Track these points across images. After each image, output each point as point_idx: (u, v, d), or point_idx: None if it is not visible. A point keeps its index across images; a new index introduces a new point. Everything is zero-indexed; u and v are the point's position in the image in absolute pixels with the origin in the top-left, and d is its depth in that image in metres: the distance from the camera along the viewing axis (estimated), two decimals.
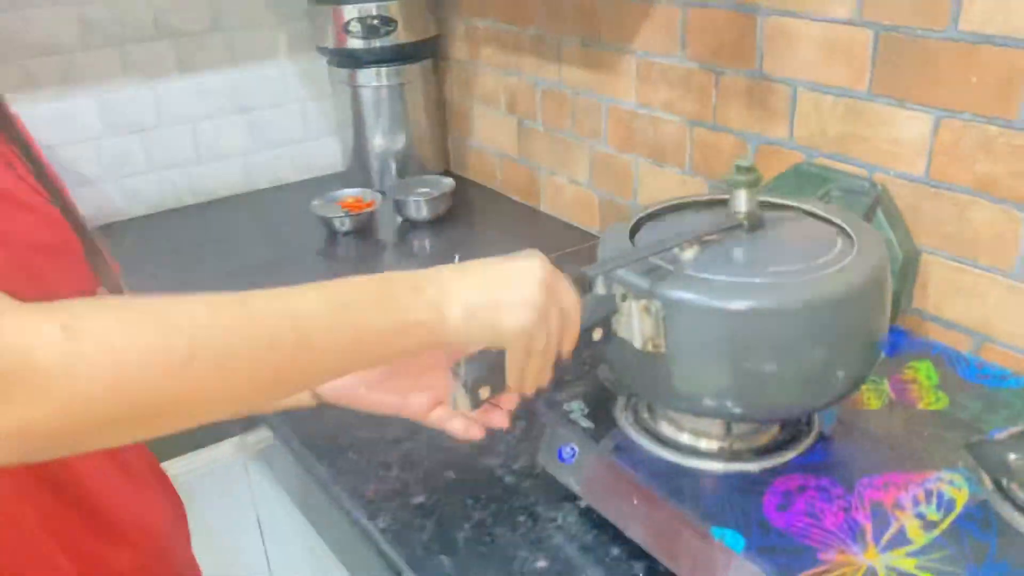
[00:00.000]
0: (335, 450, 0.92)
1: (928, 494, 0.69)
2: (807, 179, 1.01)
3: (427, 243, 1.50)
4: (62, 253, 0.64)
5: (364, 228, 1.51)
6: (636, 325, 0.68)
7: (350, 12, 1.53)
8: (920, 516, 0.66)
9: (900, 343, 0.90)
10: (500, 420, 0.72)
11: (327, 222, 1.49)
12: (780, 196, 0.80)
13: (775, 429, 0.77)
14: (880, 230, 0.95)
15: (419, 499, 0.84)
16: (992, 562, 0.62)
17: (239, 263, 1.43)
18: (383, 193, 1.58)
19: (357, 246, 1.49)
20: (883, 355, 0.74)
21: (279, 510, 1.12)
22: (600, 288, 0.70)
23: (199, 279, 1.37)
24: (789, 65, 1.04)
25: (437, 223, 1.53)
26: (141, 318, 0.47)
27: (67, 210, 0.66)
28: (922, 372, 0.85)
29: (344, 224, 1.48)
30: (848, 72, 0.97)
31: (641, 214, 0.78)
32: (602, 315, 0.69)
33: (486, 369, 0.63)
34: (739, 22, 1.08)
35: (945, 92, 0.89)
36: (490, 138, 1.64)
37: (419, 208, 1.51)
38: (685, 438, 0.76)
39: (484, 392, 0.64)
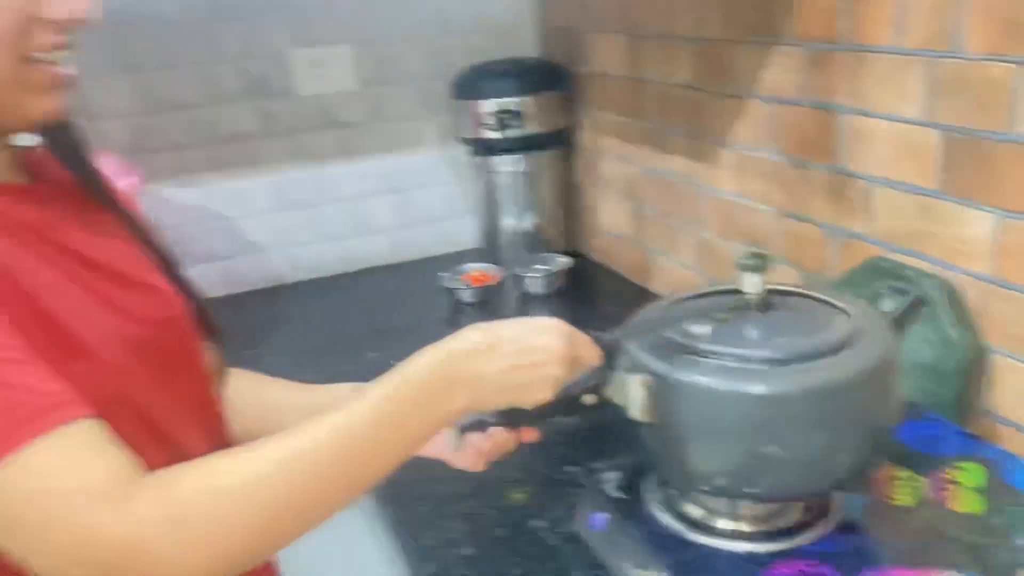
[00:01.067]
0: (409, 498, 1.03)
1: None
2: (879, 274, 1.02)
3: (542, 315, 1.60)
4: (172, 327, 0.74)
5: (486, 300, 1.64)
6: (631, 396, 0.74)
7: (486, 107, 1.69)
8: None
9: (956, 443, 0.89)
10: (531, 435, 0.76)
11: (453, 293, 1.63)
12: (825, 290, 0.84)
13: (797, 514, 0.80)
14: (942, 327, 0.95)
15: (468, 551, 0.93)
16: None
17: (377, 326, 1.60)
18: (504, 267, 1.70)
19: (478, 316, 1.62)
20: (925, 451, 0.75)
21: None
22: (602, 359, 0.77)
23: (342, 338, 1.54)
24: (866, 161, 1.06)
25: (553, 298, 1.63)
26: (235, 502, 0.56)
27: (181, 287, 0.79)
28: (968, 474, 0.84)
29: (467, 296, 1.62)
30: (918, 170, 0.99)
31: (675, 297, 0.84)
32: (593, 383, 0.74)
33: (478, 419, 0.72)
34: (822, 119, 1.12)
35: (1007, 192, 0.89)
36: (610, 221, 1.73)
37: (536, 283, 1.62)
38: (701, 515, 0.80)
39: (469, 437, 0.74)
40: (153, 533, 0.53)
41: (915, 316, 0.82)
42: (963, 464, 0.85)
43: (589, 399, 0.73)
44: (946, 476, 0.84)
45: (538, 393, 0.67)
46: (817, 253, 1.18)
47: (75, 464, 0.53)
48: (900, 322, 0.80)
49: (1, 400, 0.52)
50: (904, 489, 0.82)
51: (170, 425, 0.69)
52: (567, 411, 0.73)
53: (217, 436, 0.79)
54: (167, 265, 0.79)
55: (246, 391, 0.86)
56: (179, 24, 1.63)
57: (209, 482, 0.56)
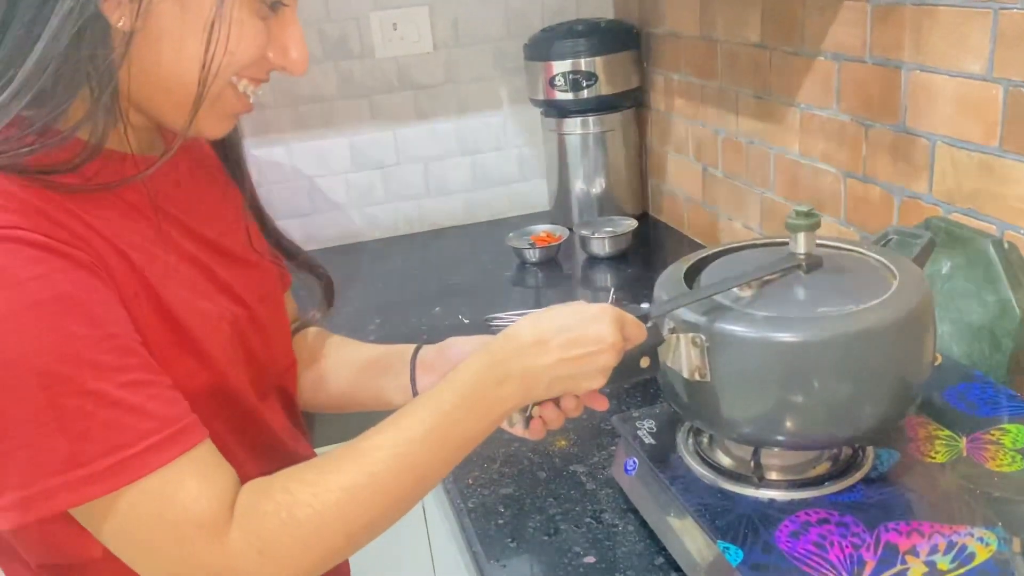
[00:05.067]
0: None
1: (950, 546, 0.69)
2: (935, 234, 1.00)
3: (606, 277, 1.62)
4: (269, 302, 0.80)
5: (550, 260, 1.66)
6: (683, 356, 0.76)
7: (557, 68, 1.71)
8: (930, 564, 0.67)
9: (1005, 404, 0.87)
10: (600, 404, 0.76)
11: (518, 253, 1.66)
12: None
13: (827, 465, 0.80)
14: (1000, 288, 0.92)
15: (507, 490, 0.97)
16: None
17: (445, 283, 1.65)
18: (571, 230, 1.72)
19: (543, 276, 1.65)
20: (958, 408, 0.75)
21: None
22: (648, 321, 0.78)
23: (412, 294, 1.60)
24: (929, 120, 1.04)
25: (618, 259, 1.65)
26: (311, 533, 0.62)
27: (285, 252, 0.86)
28: (1011, 435, 0.82)
29: (533, 256, 1.65)
30: (981, 127, 0.96)
31: (701, 255, 0.85)
32: (650, 345, 0.77)
33: None
34: (886, 76, 1.09)
35: None
36: (680, 183, 1.72)
37: (602, 245, 1.64)
38: (728, 463, 0.82)
39: (535, 411, 0.75)
40: (244, 564, 0.60)
41: (926, 258, 0.81)
42: (1009, 426, 0.83)
43: (645, 362, 0.75)
44: (988, 436, 0.82)
45: (590, 382, 0.70)
46: (878, 214, 1.15)
47: (187, 494, 0.59)
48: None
49: (128, 426, 0.57)
50: (941, 447, 0.81)
51: (253, 402, 0.74)
52: (626, 376, 0.74)
53: (292, 400, 0.85)
54: (269, 231, 0.85)
55: (316, 346, 0.91)
56: None
57: (291, 513, 0.62)
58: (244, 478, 0.64)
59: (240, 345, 0.72)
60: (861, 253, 0.82)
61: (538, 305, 1.53)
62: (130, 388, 0.58)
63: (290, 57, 0.68)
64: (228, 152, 0.83)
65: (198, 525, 0.60)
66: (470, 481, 0.99)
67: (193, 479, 0.60)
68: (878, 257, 0.80)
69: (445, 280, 1.67)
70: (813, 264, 0.78)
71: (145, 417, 0.58)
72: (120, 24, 0.60)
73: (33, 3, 0.58)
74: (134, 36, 0.61)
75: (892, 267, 0.77)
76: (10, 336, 0.55)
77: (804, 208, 0.78)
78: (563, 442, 1.05)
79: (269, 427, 0.76)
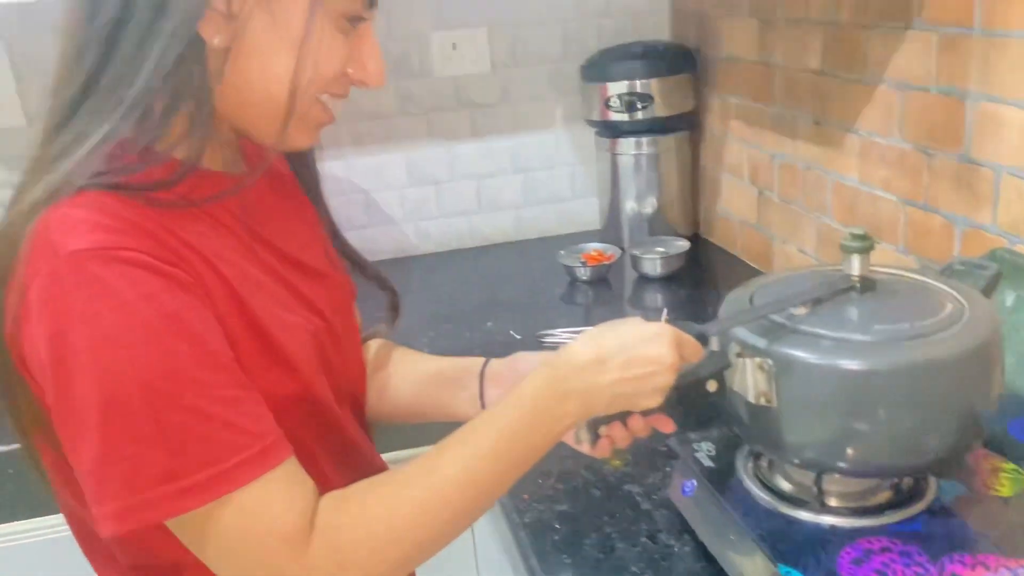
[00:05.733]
0: None
1: None
2: (1000, 265, 0.99)
3: (657, 297, 1.63)
4: (343, 314, 0.84)
5: (602, 279, 1.68)
6: (750, 380, 0.76)
7: (613, 89, 1.73)
8: None
9: None
10: (666, 426, 0.76)
11: (570, 270, 1.68)
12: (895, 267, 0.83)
13: (888, 493, 0.80)
14: None
15: (563, 507, 0.98)
16: None
17: (497, 298, 1.67)
18: (623, 249, 1.73)
19: (594, 294, 1.66)
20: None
21: None
22: (714, 344, 0.79)
23: (464, 308, 1.62)
24: (995, 150, 1.03)
25: (669, 280, 1.65)
26: (386, 545, 0.65)
27: (357, 266, 0.89)
28: None
29: (584, 273, 1.66)
30: None
31: (762, 281, 0.86)
32: (716, 368, 0.78)
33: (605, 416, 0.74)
34: (950, 106, 1.09)
35: None
36: (734, 206, 1.73)
37: (654, 265, 1.65)
38: (788, 487, 0.82)
39: (603, 430, 0.77)
40: (322, 575, 0.63)
41: (993, 289, 0.81)
42: None
43: (712, 386, 0.75)
44: None
45: (648, 401, 0.71)
46: (940, 243, 1.15)
47: (274, 509, 0.62)
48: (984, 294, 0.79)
49: (222, 441, 0.60)
50: (1006, 481, 0.81)
51: (334, 412, 0.77)
52: (693, 399, 0.75)
53: (363, 409, 0.87)
54: (341, 244, 0.87)
55: (382, 357, 0.94)
56: None
57: (367, 529, 0.65)
58: (325, 484, 0.66)
59: (319, 356, 0.74)
60: (924, 280, 0.82)
61: (589, 323, 1.54)
62: (225, 404, 0.60)
63: (368, 70, 0.71)
64: (304, 168, 0.86)
65: (282, 538, 0.62)
66: (526, 496, 1.00)
67: (279, 494, 0.62)
68: (942, 285, 0.80)
69: (496, 295, 1.69)
70: (869, 286, 0.79)
71: (238, 432, 0.60)
72: (217, 43, 0.63)
73: (137, 29, 0.61)
74: (230, 54, 0.64)
75: (960, 297, 0.77)
76: (120, 353, 0.57)
77: (859, 231, 0.78)
78: (617, 462, 1.05)
79: (348, 435, 0.78)
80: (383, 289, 0.93)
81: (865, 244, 0.78)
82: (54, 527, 1.24)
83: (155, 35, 0.61)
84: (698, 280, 1.67)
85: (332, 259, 0.85)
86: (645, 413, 0.74)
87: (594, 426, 0.75)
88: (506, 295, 1.68)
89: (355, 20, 0.69)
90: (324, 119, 0.72)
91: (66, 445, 0.61)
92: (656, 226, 1.82)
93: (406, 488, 0.67)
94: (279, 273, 0.74)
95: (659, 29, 1.88)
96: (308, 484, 0.65)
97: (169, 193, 0.64)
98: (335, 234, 0.88)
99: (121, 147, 0.62)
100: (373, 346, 0.95)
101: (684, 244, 1.68)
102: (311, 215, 0.85)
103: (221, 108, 0.67)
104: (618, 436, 0.75)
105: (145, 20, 0.61)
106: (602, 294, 1.66)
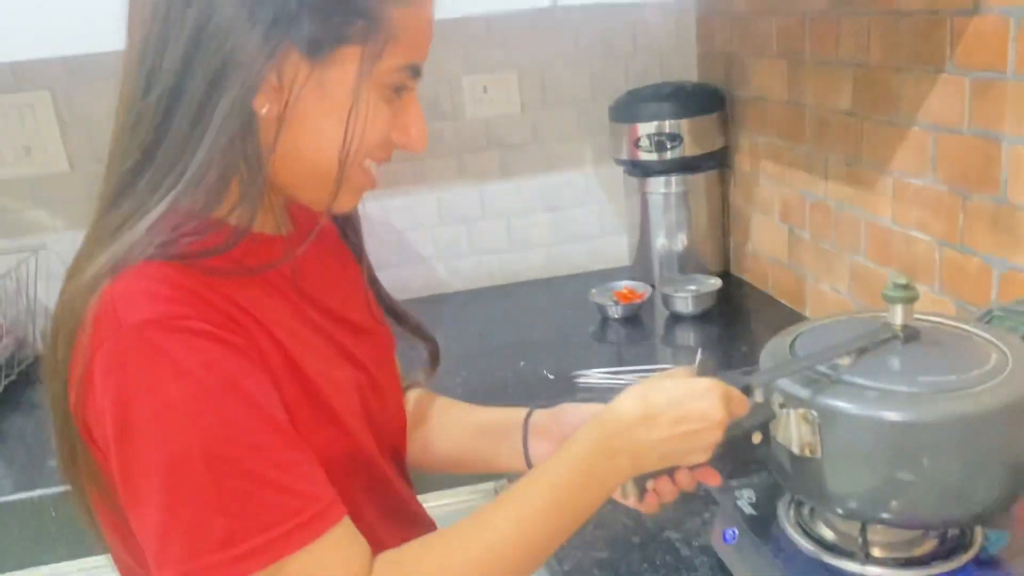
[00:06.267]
0: None
1: None
2: None
3: (689, 336, 1.63)
4: (386, 366, 0.85)
5: (633, 317, 1.68)
6: (794, 432, 0.76)
7: (643, 129, 1.74)
8: None
9: None
10: (713, 479, 0.78)
11: (601, 309, 1.69)
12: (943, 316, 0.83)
13: (933, 543, 0.80)
14: None
15: (602, 554, 0.98)
16: None
17: (528, 337, 1.68)
18: (653, 287, 1.74)
19: (626, 332, 1.66)
20: None
21: None
22: (758, 396, 0.80)
23: (496, 346, 1.63)
24: None
25: (701, 318, 1.65)
26: None
27: (398, 319, 0.90)
28: None
29: (616, 312, 1.67)
30: None
31: (802, 329, 0.86)
32: (761, 420, 0.78)
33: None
34: (985, 148, 1.09)
35: None
36: (765, 244, 1.73)
37: (685, 303, 1.65)
38: (831, 536, 0.82)
39: (650, 485, 0.77)
40: None
41: None
42: None
43: (757, 438, 0.76)
44: None
45: (697, 457, 0.72)
46: (976, 285, 1.15)
47: (330, 570, 0.63)
48: None
49: (280, 505, 0.61)
50: None
51: (380, 465, 0.78)
52: (738, 451, 0.76)
53: (403, 461, 0.88)
54: (384, 299, 0.89)
55: (423, 408, 0.95)
56: None
57: (418, 570, 0.65)
58: (372, 536, 0.67)
59: (364, 410, 0.75)
60: (966, 329, 0.82)
61: (621, 362, 1.55)
62: (282, 468, 0.62)
63: (411, 136, 0.72)
64: (348, 226, 0.88)
65: None
66: (564, 544, 1.00)
67: (335, 555, 0.63)
68: (984, 334, 0.80)
69: (527, 333, 1.70)
70: (912, 335, 0.79)
71: (294, 496, 0.62)
72: (269, 114, 0.65)
73: (193, 103, 0.63)
74: (281, 126, 0.66)
75: (1004, 347, 0.77)
76: (183, 421, 0.59)
77: (902, 281, 0.79)
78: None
79: (393, 487, 0.79)
80: (423, 340, 0.94)
81: (909, 294, 0.78)
82: (96, 569, 1.26)
83: (211, 109, 0.63)
84: (730, 318, 1.68)
85: (374, 312, 0.87)
86: (692, 468, 0.74)
87: (641, 481, 0.75)
88: (538, 333, 1.69)
89: (400, 90, 0.71)
90: (367, 184, 0.74)
91: (129, 510, 0.62)
92: (686, 263, 1.83)
93: (460, 548, 0.67)
94: (326, 330, 0.75)
95: (687, 69, 1.90)
96: (363, 544, 0.66)
97: (224, 259, 0.66)
98: (377, 288, 0.90)
99: (179, 218, 0.64)
100: (412, 397, 0.96)
101: (716, 282, 1.68)
102: (354, 269, 0.87)
103: (272, 176, 0.69)
104: (665, 491, 0.76)
105: (200, 94, 0.63)
106: (634, 332, 1.66)
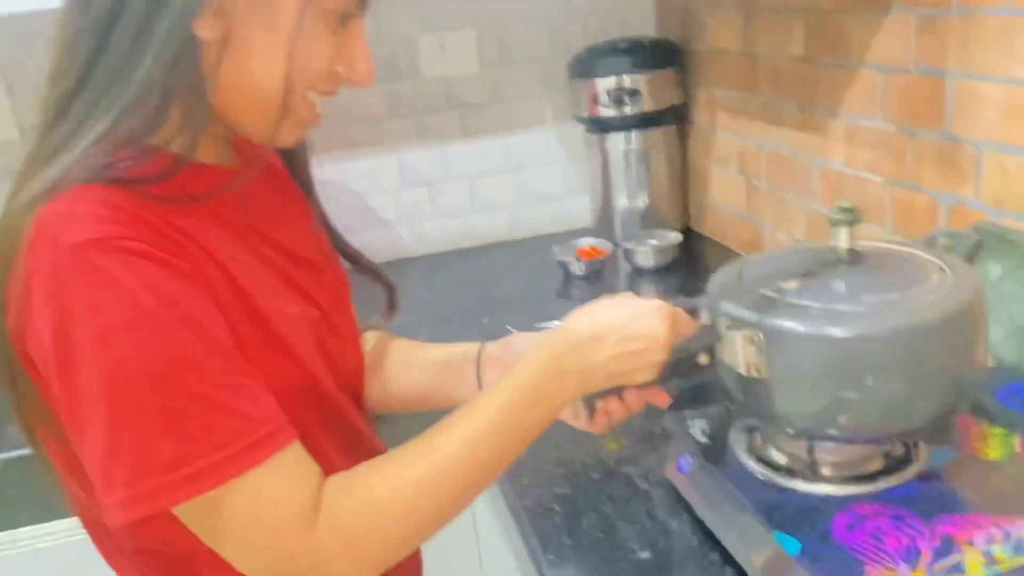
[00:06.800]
0: None
1: (1007, 536, 0.70)
2: (983, 238, 1.01)
3: (651, 289, 1.64)
4: (341, 305, 0.85)
5: (596, 273, 1.69)
6: (740, 353, 0.78)
7: (601, 85, 1.74)
8: (987, 554, 0.68)
9: None
10: (661, 400, 0.79)
11: (564, 266, 1.69)
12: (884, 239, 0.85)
13: (880, 461, 0.81)
14: None
15: (561, 490, 0.99)
16: None
17: (492, 297, 1.68)
18: (615, 244, 1.75)
19: (589, 288, 1.67)
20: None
21: None
22: (705, 319, 0.81)
23: (461, 307, 1.64)
24: (975, 126, 1.05)
25: (663, 272, 1.67)
26: (390, 524, 0.67)
27: (352, 260, 0.90)
28: None
29: (578, 269, 1.68)
30: None
31: (751, 258, 0.87)
32: (708, 342, 0.79)
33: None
34: (931, 85, 1.11)
35: None
36: (723, 197, 1.74)
37: (646, 257, 1.66)
38: (782, 459, 0.83)
39: (599, 405, 0.78)
40: (331, 556, 0.65)
41: (974, 257, 0.83)
42: None
43: (703, 359, 0.77)
44: None
45: (643, 376, 0.73)
46: (925, 221, 1.16)
47: (281, 493, 0.63)
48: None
49: (228, 427, 0.61)
50: (995, 445, 0.82)
51: (336, 399, 0.78)
52: (686, 372, 0.77)
53: (361, 399, 0.88)
54: (334, 237, 0.88)
55: (380, 349, 0.95)
56: None
57: (372, 509, 0.66)
58: (332, 469, 0.68)
59: (318, 346, 0.75)
60: (909, 252, 0.84)
61: None
62: (229, 390, 0.61)
63: (357, 68, 0.72)
64: (297, 164, 0.87)
65: (289, 521, 0.63)
66: (525, 481, 1.01)
67: (285, 477, 0.63)
68: (927, 255, 0.81)
69: (492, 293, 1.70)
70: (856, 258, 0.80)
71: (242, 418, 0.61)
72: (211, 38, 0.65)
73: (132, 24, 0.62)
74: (224, 51, 0.65)
75: (944, 266, 0.78)
76: (125, 342, 0.58)
77: (846, 204, 0.80)
78: (614, 445, 1.07)
79: (351, 421, 0.80)
80: (379, 283, 0.94)
81: (852, 216, 0.79)
82: (57, 533, 1.25)
83: (150, 31, 0.62)
84: (691, 271, 1.69)
85: (326, 252, 0.86)
86: (640, 387, 0.75)
87: (590, 402, 0.76)
88: (502, 293, 1.70)
89: (346, 18, 0.70)
90: (311, 118, 0.73)
91: (72, 436, 0.62)
92: (648, 220, 1.84)
93: (409, 468, 0.68)
94: (276, 264, 0.75)
95: (644, 24, 1.90)
96: (313, 467, 0.66)
97: (166, 187, 0.65)
98: (329, 228, 0.89)
99: (118, 142, 0.63)
100: (372, 338, 0.96)
101: (676, 236, 1.70)
102: (304, 209, 0.86)
103: (214, 103, 0.68)
104: (614, 410, 0.77)
105: (140, 14, 0.62)
106: (597, 288, 1.67)
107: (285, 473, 0.63)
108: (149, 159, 0.65)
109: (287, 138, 0.73)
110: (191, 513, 0.63)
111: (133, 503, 0.59)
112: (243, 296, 0.68)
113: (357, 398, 0.87)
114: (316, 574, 0.64)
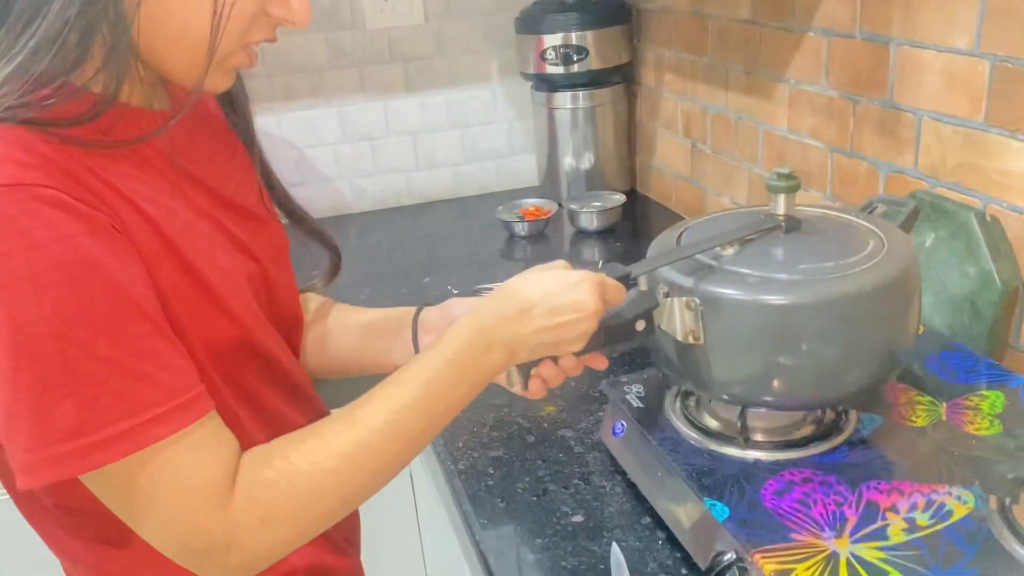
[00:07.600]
0: None
1: (929, 503, 0.71)
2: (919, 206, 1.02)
3: (594, 251, 1.63)
4: (280, 259, 0.81)
5: (540, 234, 1.68)
6: (677, 319, 0.77)
7: (548, 41, 1.71)
8: (909, 520, 0.69)
9: (983, 373, 0.89)
10: (599, 363, 0.78)
11: (508, 226, 1.67)
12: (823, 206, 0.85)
13: (811, 427, 0.82)
14: (982, 261, 0.94)
15: (497, 452, 0.98)
16: (959, 568, 0.64)
17: (434, 255, 1.66)
18: (560, 204, 1.73)
19: (532, 249, 1.66)
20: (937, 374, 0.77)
21: None
22: (643, 285, 0.80)
23: (402, 265, 1.61)
24: (916, 95, 1.05)
25: (606, 234, 1.66)
26: (310, 500, 0.64)
27: (292, 214, 0.86)
28: (988, 401, 0.84)
29: (522, 229, 1.66)
30: (967, 102, 0.98)
31: (690, 223, 0.86)
32: (644, 308, 0.78)
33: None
34: (874, 52, 1.11)
35: None
36: (669, 159, 1.74)
37: (590, 219, 1.65)
38: (715, 425, 0.83)
39: (534, 371, 0.77)
40: (245, 531, 0.62)
41: (911, 225, 0.84)
42: (987, 392, 0.86)
43: (640, 325, 0.77)
44: (967, 402, 0.84)
45: (571, 347, 0.72)
46: (864, 188, 1.17)
47: (194, 465, 0.60)
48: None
49: (137, 394, 0.58)
50: (921, 412, 0.83)
51: (274, 354, 0.75)
52: (622, 338, 0.76)
53: (299, 354, 0.86)
54: (278, 194, 0.84)
55: (319, 313, 0.92)
56: None
57: (290, 482, 0.64)
58: (280, 420, 0.65)
59: (255, 300, 0.72)
60: (847, 219, 0.84)
61: None
62: (142, 356, 0.58)
63: (292, 7, 0.67)
64: (238, 112, 0.82)
65: (204, 495, 0.61)
66: (460, 444, 1.00)
67: (199, 450, 0.61)
68: (864, 223, 0.81)
69: (434, 252, 1.68)
70: (794, 225, 0.80)
71: (154, 386, 0.59)
72: None
73: None
74: None
75: (879, 232, 0.79)
76: (30, 297, 0.55)
77: (785, 170, 0.79)
78: (551, 408, 1.06)
79: (294, 376, 0.77)
80: (323, 245, 0.91)
81: (791, 183, 0.79)
82: None
83: None
84: (634, 233, 1.69)
85: (267, 204, 0.83)
86: (577, 354, 0.74)
87: (525, 369, 0.75)
88: (444, 252, 1.67)
89: None
90: (244, 62, 0.69)
91: None
92: (593, 181, 1.83)
93: (331, 441, 0.66)
94: (211, 215, 0.71)
95: None
96: (230, 440, 0.64)
97: (88, 129, 0.61)
98: (272, 183, 0.85)
99: (35, 81, 0.59)
100: (312, 302, 0.93)
101: (620, 198, 1.68)
102: (243, 158, 0.82)
103: (141, 46, 0.63)
104: (550, 375, 0.76)
105: None
106: (540, 249, 1.66)
107: (199, 446, 0.61)
108: (70, 100, 0.60)
109: (217, 84, 0.69)
110: (99, 483, 0.61)
111: (34, 469, 0.57)
112: (172, 247, 0.64)
113: (296, 352, 0.85)
114: (231, 551, 0.62)
